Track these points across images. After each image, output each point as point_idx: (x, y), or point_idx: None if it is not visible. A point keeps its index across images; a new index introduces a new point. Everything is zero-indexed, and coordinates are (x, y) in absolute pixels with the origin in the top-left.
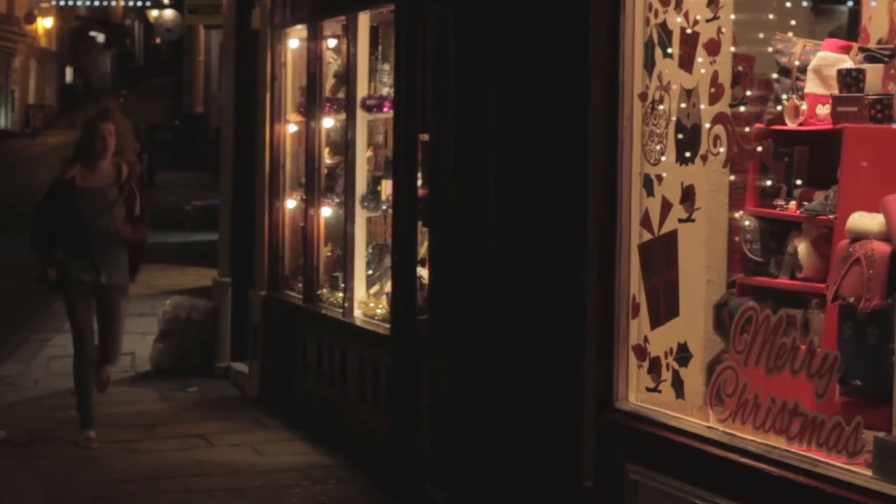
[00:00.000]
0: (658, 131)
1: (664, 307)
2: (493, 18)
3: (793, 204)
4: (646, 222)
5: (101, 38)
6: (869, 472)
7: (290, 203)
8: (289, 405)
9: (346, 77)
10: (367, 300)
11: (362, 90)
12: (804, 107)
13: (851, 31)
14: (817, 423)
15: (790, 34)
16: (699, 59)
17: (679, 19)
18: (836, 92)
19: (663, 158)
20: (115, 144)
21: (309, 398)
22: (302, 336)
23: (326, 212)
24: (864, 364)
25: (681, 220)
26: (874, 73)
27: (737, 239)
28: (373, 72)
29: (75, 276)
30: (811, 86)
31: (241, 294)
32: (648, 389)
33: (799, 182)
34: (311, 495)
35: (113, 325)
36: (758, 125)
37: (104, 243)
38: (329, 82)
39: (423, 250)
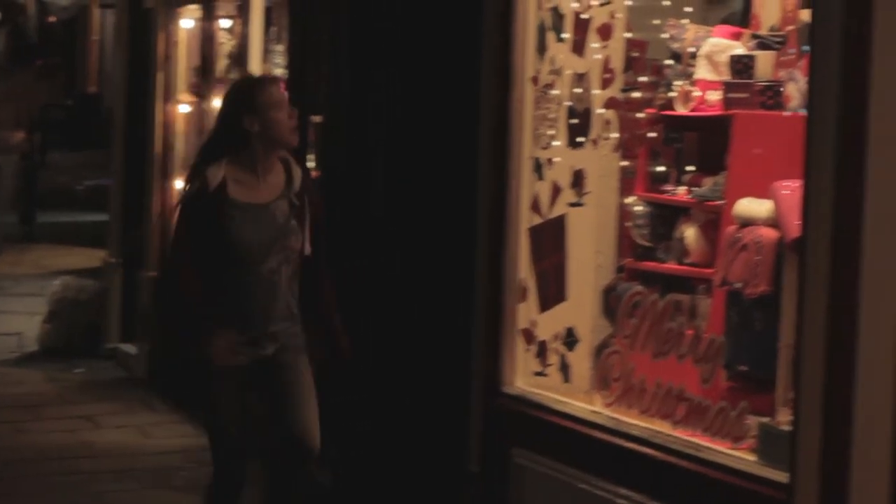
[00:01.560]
0: (549, 115)
1: (553, 291)
2: (387, 2)
3: (682, 189)
4: (535, 206)
5: None
6: (753, 458)
7: (181, 184)
8: (177, 387)
9: (240, 58)
10: None
11: (255, 71)
12: (696, 93)
13: (744, 17)
14: (702, 407)
15: (684, 20)
16: (593, 44)
17: (574, 4)
18: (727, 78)
19: (554, 143)
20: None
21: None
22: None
23: None
24: (750, 349)
25: (570, 205)
26: (765, 59)
27: (626, 224)
28: (266, 52)
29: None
30: (702, 72)
31: (131, 275)
32: (536, 374)
33: (689, 168)
34: (198, 477)
35: (302, 402)
36: (649, 110)
37: (274, 292)
38: (222, 63)
39: None
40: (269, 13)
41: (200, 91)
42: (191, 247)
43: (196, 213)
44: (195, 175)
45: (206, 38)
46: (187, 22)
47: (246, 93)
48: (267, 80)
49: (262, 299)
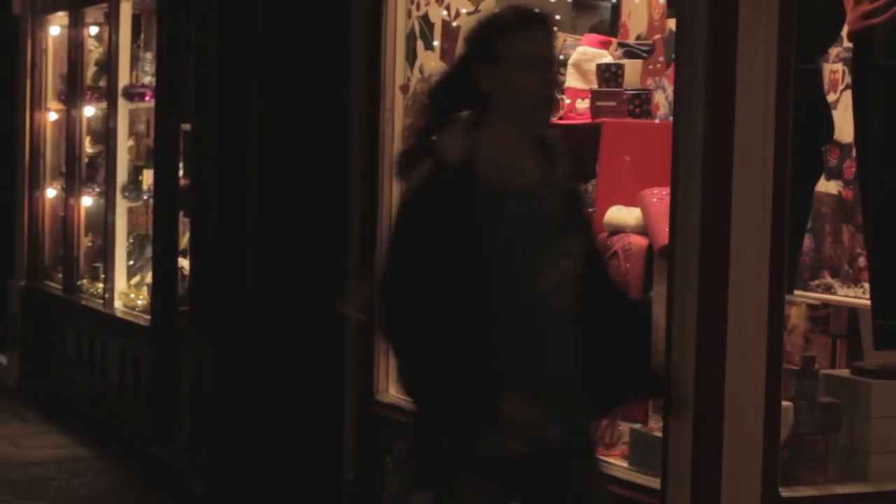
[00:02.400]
0: None
1: None
2: (257, 7)
3: None
4: None
5: None
6: (625, 464)
7: (51, 192)
8: (49, 397)
9: (108, 65)
10: (128, 291)
11: (124, 79)
12: (566, 101)
13: (612, 26)
14: None
15: (554, 28)
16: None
17: (443, 12)
18: (595, 87)
19: None
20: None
21: (70, 390)
22: (62, 327)
23: (87, 201)
24: None
25: None
26: (633, 68)
27: None
28: (135, 60)
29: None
30: (571, 80)
31: (0, 284)
32: None
33: None
34: (70, 488)
35: None
36: None
37: (553, 330)
38: (91, 70)
39: (184, 241)
40: (137, 20)
41: (69, 99)
42: (428, 270)
43: (436, 208)
44: (419, 148)
45: (74, 46)
46: (55, 29)
47: (488, 34)
48: (526, 19)
49: (537, 342)
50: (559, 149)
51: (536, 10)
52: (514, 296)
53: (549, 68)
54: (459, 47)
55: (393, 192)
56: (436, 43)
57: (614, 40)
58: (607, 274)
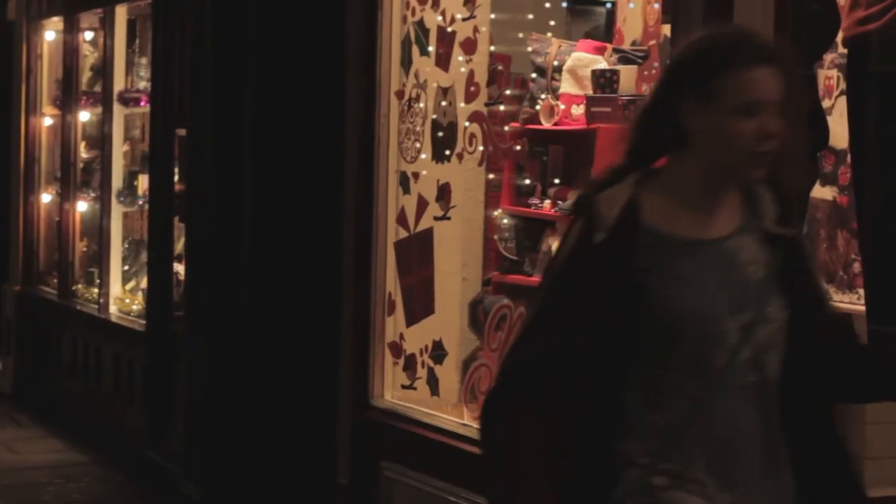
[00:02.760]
0: (415, 129)
1: (420, 305)
2: (251, 13)
3: (547, 203)
4: (402, 220)
5: None
6: None
7: (46, 197)
8: (44, 402)
9: (103, 70)
10: (123, 296)
11: (119, 84)
12: (561, 106)
13: (607, 32)
14: None
15: (549, 34)
16: (457, 58)
17: (438, 18)
18: (590, 92)
19: (421, 156)
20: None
21: (65, 395)
22: (57, 332)
23: (82, 206)
24: None
25: (436, 218)
26: (627, 74)
27: (492, 237)
28: (130, 65)
29: None
30: (566, 86)
31: None
32: (404, 387)
33: (555, 181)
34: (65, 493)
35: None
36: (514, 124)
37: (746, 421)
38: (86, 75)
39: (179, 246)
40: (132, 26)
41: (64, 104)
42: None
43: (588, 277)
44: (578, 208)
45: (70, 51)
46: (50, 34)
47: (702, 64)
48: (754, 54)
49: (723, 438)
50: (768, 197)
51: (767, 44)
52: (687, 382)
53: (772, 117)
54: (664, 71)
55: (388, 196)
56: (431, 48)
57: (609, 46)
58: (843, 347)
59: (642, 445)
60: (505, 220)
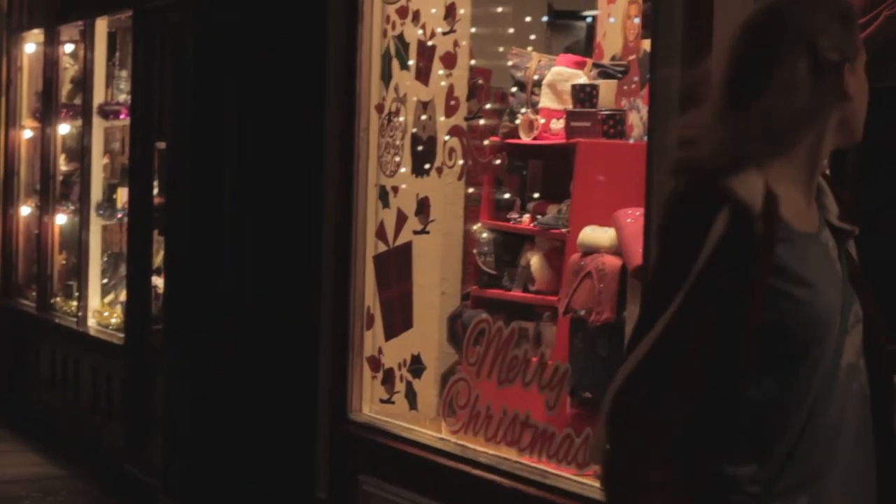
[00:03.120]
0: (395, 143)
1: (399, 319)
2: (232, 27)
3: (527, 217)
4: (381, 234)
5: None
6: (597, 484)
7: (25, 210)
8: (22, 415)
9: (84, 83)
10: (102, 309)
11: (99, 97)
12: (541, 121)
13: (588, 46)
14: (548, 434)
15: (529, 48)
16: (438, 72)
17: (418, 32)
18: (569, 107)
19: (401, 170)
20: None
21: (43, 408)
22: (36, 345)
23: (62, 219)
24: (594, 376)
25: (416, 232)
26: (607, 88)
27: (472, 251)
28: (110, 78)
29: None
30: (546, 100)
31: None
32: (382, 401)
33: (534, 195)
34: None
35: None
36: (493, 138)
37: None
38: (66, 88)
39: (158, 259)
40: (112, 38)
41: (44, 116)
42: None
43: (745, 277)
44: (706, 191)
45: (50, 63)
46: (30, 46)
47: (831, 21)
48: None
49: (850, 440)
50: (828, 189)
51: None
52: (817, 375)
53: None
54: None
55: (368, 210)
56: (411, 62)
57: (589, 61)
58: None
59: (752, 471)
60: (484, 235)
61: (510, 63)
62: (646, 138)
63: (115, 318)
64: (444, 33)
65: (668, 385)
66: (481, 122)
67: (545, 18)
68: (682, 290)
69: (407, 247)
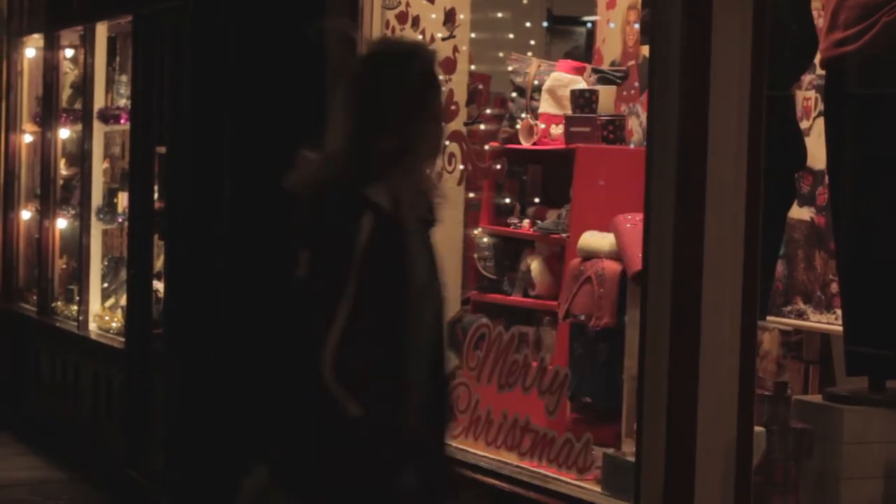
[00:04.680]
0: None
1: None
2: (231, 31)
3: (526, 222)
4: None
5: None
6: (598, 488)
7: (25, 214)
8: (23, 419)
9: (84, 88)
10: (103, 313)
11: (99, 101)
12: (540, 126)
13: (587, 51)
14: (548, 439)
15: (528, 54)
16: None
17: (418, 37)
18: (569, 112)
19: None
20: None
21: (43, 412)
22: (36, 349)
23: (62, 223)
24: (594, 381)
25: None
26: (607, 94)
27: (472, 256)
28: (110, 83)
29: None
30: (545, 106)
31: None
32: None
33: (534, 200)
34: None
35: None
36: (493, 143)
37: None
38: (66, 92)
39: (159, 263)
40: (112, 43)
41: (44, 121)
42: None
43: (388, 259)
44: (353, 200)
45: (50, 68)
46: (31, 51)
47: (428, 71)
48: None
49: (423, 374)
50: (430, 185)
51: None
52: (423, 337)
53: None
54: (396, 85)
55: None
56: None
57: (588, 66)
58: None
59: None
60: (484, 240)
61: (510, 68)
62: (645, 144)
63: (116, 322)
64: (444, 38)
65: (367, 340)
66: (481, 127)
67: (545, 24)
68: (351, 272)
69: None
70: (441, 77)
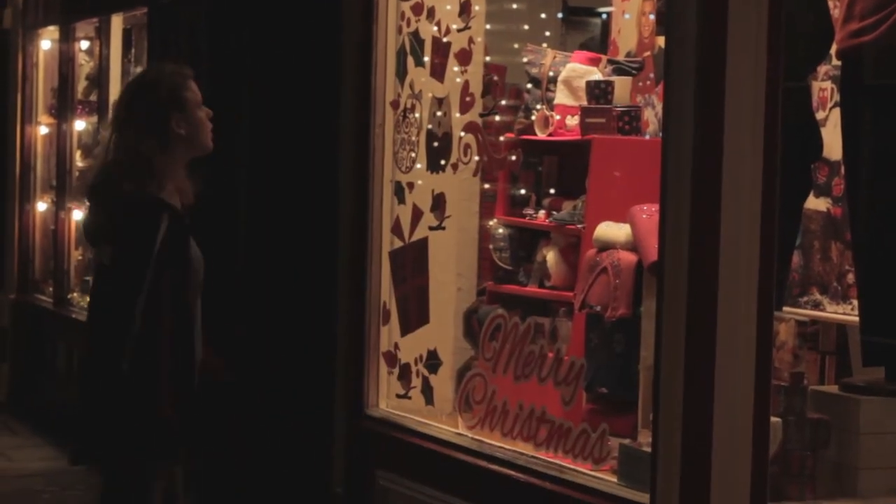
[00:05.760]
0: (410, 139)
1: (414, 314)
2: (246, 22)
3: (542, 213)
4: (397, 230)
5: None
6: (614, 479)
7: (41, 206)
8: (39, 410)
9: (99, 79)
10: None
11: (115, 93)
12: (556, 117)
13: (603, 42)
14: (564, 430)
15: (544, 45)
16: (453, 69)
17: (433, 28)
18: (584, 103)
19: (416, 166)
20: None
21: (60, 403)
22: (52, 340)
23: (78, 215)
24: (610, 372)
25: (431, 228)
26: (622, 85)
27: (487, 247)
28: (125, 74)
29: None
30: (561, 97)
31: None
32: (398, 396)
33: (550, 191)
34: (60, 500)
35: None
36: (508, 135)
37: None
38: (81, 84)
39: None
40: (128, 35)
41: (59, 112)
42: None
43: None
44: (152, 202)
45: (65, 60)
46: (46, 43)
47: (173, 89)
48: (188, 74)
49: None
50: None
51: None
52: (193, 314)
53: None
54: (141, 104)
55: (383, 206)
56: (426, 59)
57: (604, 57)
58: None
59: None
60: (500, 231)
61: (525, 59)
62: (661, 134)
63: None
64: (459, 30)
65: (161, 330)
66: (496, 118)
67: (560, 15)
68: (149, 267)
69: (423, 243)
70: None
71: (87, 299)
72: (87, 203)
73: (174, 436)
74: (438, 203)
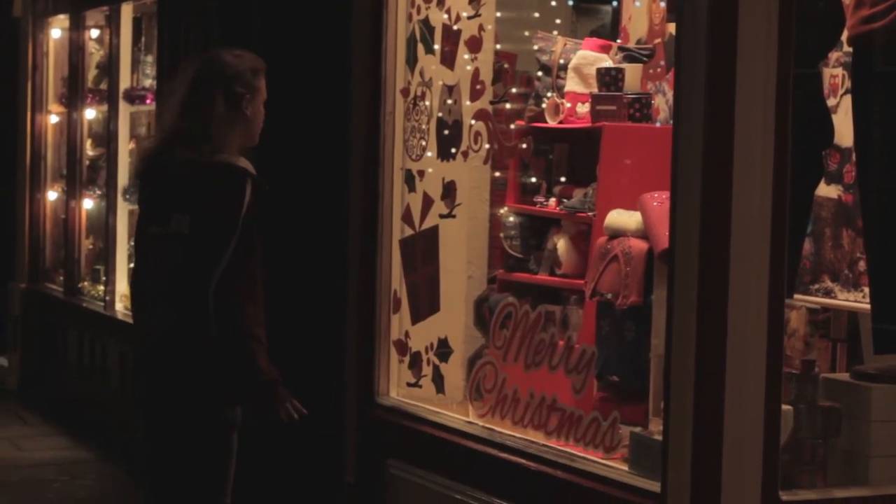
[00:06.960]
0: (420, 127)
1: (425, 302)
2: (256, 10)
3: (553, 201)
4: (407, 218)
5: None
6: (625, 467)
7: (52, 195)
8: (49, 399)
9: (109, 68)
10: (129, 294)
11: (125, 81)
12: (566, 105)
13: (613, 30)
14: (575, 418)
15: (554, 32)
16: (463, 56)
17: (443, 16)
18: (595, 91)
19: (426, 154)
20: None
21: (70, 392)
22: (63, 329)
23: (88, 204)
24: (621, 360)
25: (442, 216)
26: (633, 72)
27: (498, 235)
28: (136, 63)
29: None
30: (571, 84)
31: (1, 286)
32: (409, 384)
33: (560, 179)
34: (71, 490)
35: None
36: (519, 122)
37: None
38: (92, 73)
39: None
40: (138, 23)
41: (70, 101)
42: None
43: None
44: (236, 169)
45: (76, 49)
46: (56, 31)
47: (256, 72)
48: (264, 66)
49: None
50: None
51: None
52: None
53: None
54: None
55: (394, 194)
56: (436, 46)
57: (615, 44)
58: None
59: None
60: (510, 218)
61: (535, 47)
62: (671, 122)
63: None
64: (470, 17)
65: (245, 280)
66: (507, 105)
67: (570, 2)
68: (236, 229)
69: (433, 231)
70: None
71: (100, 289)
72: (144, 180)
73: (280, 388)
74: (449, 191)
